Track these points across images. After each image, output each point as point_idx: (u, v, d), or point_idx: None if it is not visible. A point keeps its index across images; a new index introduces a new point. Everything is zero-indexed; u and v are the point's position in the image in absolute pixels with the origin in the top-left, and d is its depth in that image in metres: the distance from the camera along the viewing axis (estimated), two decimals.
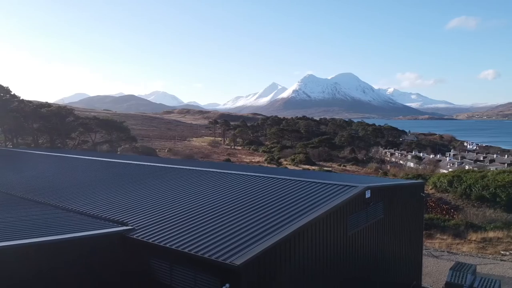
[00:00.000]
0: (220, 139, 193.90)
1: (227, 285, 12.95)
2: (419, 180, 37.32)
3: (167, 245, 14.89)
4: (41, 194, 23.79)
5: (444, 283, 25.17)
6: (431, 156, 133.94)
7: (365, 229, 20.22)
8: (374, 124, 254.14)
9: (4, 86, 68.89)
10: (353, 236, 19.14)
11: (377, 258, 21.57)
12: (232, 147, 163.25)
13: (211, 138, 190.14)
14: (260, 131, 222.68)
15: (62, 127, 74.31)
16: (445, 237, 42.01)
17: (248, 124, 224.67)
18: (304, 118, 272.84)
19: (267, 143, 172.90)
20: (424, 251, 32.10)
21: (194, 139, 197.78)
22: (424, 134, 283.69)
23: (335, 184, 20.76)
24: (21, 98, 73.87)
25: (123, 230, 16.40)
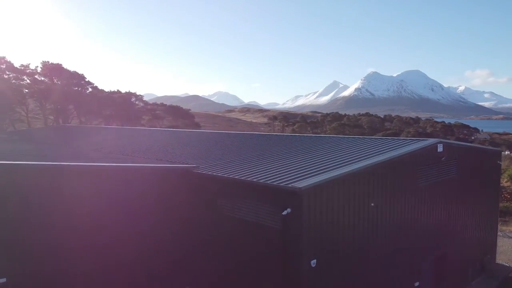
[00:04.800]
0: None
1: (288, 209, 12.71)
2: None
3: (230, 176, 15.01)
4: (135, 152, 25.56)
5: None
6: (506, 153, 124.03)
7: (436, 185, 18.98)
8: (443, 122, 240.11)
9: (79, 73, 74.32)
10: (423, 189, 18.05)
11: (446, 220, 20.17)
12: None
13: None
14: (320, 127, 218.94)
15: (131, 113, 78.47)
16: None
17: (308, 121, 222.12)
18: (367, 114, 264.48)
19: None
20: (499, 233, 29.77)
21: None
22: (498, 133, 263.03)
23: (405, 139, 20.20)
24: (95, 85, 79.25)
25: (188, 166, 16.88)
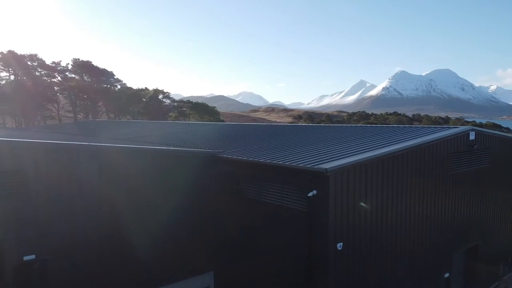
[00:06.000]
0: None
1: (314, 191, 12.52)
2: None
3: (255, 160, 14.93)
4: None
5: None
6: None
7: (468, 174, 18.37)
8: (474, 121, 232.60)
9: (108, 70, 76.11)
10: (454, 177, 17.48)
11: (478, 211, 19.46)
12: None
13: None
14: None
15: (159, 109, 79.70)
16: None
17: (333, 120, 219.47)
18: (395, 113, 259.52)
19: None
20: None
21: None
22: None
23: (436, 126, 19.72)
24: (123, 82, 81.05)
25: (214, 151, 16.92)
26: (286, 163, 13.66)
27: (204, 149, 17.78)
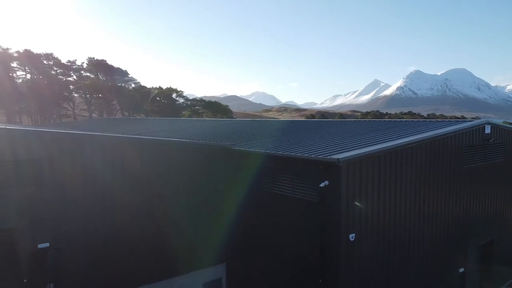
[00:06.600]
0: None
1: (326, 182, 12.45)
2: None
3: (267, 151, 14.93)
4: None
5: None
6: None
7: (483, 168, 18.06)
8: None
9: (123, 69, 76.99)
10: (468, 172, 17.21)
11: (494, 206, 19.11)
12: None
13: None
14: None
15: (172, 108, 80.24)
16: None
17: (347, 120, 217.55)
18: (409, 113, 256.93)
19: None
20: None
21: None
22: None
23: (451, 120, 19.46)
24: (137, 81, 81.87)
25: (227, 144, 16.99)
26: (298, 154, 13.63)
27: (216, 142, 17.83)
